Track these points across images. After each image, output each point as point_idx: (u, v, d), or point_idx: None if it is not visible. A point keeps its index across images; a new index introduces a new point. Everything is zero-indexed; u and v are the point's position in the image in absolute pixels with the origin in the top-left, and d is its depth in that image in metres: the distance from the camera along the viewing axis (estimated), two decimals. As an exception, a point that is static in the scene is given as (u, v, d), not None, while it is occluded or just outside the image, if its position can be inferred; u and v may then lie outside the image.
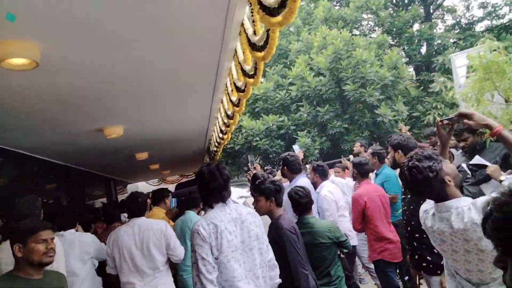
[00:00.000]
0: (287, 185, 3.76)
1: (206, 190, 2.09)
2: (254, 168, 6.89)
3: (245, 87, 3.57)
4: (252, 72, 2.99)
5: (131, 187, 18.53)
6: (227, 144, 10.30)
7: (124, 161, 8.43)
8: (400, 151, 2.62)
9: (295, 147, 5.48)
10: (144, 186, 20.11)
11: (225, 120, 5.76)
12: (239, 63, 3.27)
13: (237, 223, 2.04)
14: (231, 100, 4.46)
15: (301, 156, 5.25)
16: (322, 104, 10.59)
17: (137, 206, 3.09)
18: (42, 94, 3.21)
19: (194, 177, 19.76)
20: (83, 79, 3.06)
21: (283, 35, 12.23)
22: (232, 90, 4.34)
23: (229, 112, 5.13)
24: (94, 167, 8.62)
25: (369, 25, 13.06)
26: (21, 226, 2.01)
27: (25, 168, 6.22)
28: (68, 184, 7.43)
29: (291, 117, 11.56)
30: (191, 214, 3.84)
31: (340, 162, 7.08)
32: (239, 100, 3.90)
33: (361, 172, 3.54)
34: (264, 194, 2.57)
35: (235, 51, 3.31)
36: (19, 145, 4.78)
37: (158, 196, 4.31)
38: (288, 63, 12.55)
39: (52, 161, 6.33)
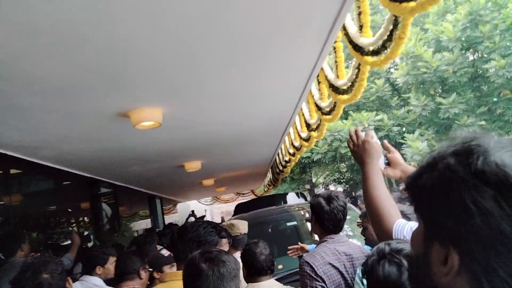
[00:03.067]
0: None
1: None
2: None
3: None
4: None
5: (181, 207, 17.64)
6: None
7: (171, 173, 7.03)
8: None
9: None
10: (196, 206, 19.23)
11: (326, 105, 3.96)
12: None
13: None
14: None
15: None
16: (443, 94, 8.27)
17: None
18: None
19: (254, 196, 18.42)
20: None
21: (377, 9, 10.14)
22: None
23: (340, 82, 3.33)
24: (132, 181, 7.29)
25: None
26: None
27: (37, 182, 4.96)
28: (94, 201, 6.13)
29: (393, 114, 9.37)
30: None
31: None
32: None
33: None
34: None
35: None
36: (13, 146, 3.38)
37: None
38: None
39: (69, 171, 4.99)
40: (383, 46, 2.26)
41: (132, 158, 5.21)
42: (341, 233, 2.11)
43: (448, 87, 8.36)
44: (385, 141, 1.64)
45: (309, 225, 5.07)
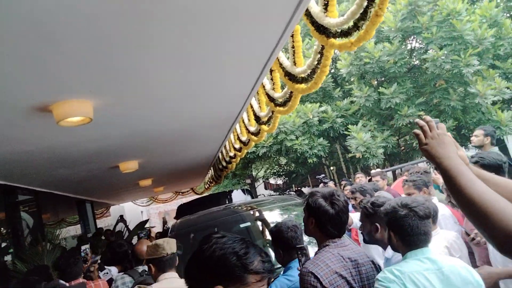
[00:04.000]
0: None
1: None
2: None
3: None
4: None
5: (115, 210, 16.61)
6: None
7: (104, 175, 6.42)
8: None
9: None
10: (131, 208, 18.24)
11: (279, 96, 3.75)
12: None
13: None
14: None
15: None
16: (385, 84, 8.50)
17: None
18: None
19: (194, 194, 17.85)
20: None
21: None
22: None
23: (298, 69, 3.11)
24: (56, 186, 6.54)
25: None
26: None
27: None
28: (10, 211, 5.39)
29: (336, 105, 9.48)
30: None
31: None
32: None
33: None
34: None
35: None
36: None
37: None
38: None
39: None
40: (355, 26, 2.05)
41: (57, 161, 4.58)
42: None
43: (388, 78, 8.63)
44: (449, 135, 1.48)
45: (259, 224, 4.84)
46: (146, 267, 3.21)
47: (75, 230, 13.98)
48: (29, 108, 2.64)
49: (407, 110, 8.00)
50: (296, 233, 2.27)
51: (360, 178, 5.95)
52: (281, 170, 16.39)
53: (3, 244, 5.87)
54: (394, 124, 8.43)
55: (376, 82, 8.99)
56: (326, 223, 1.83)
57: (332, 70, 10.46)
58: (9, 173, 4.66)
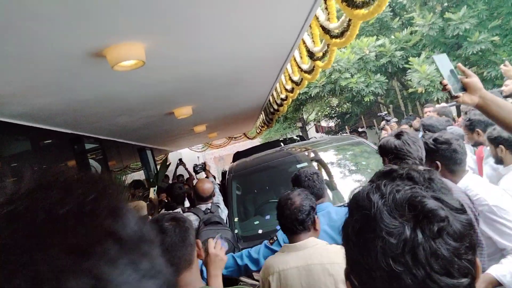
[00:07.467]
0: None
1: None
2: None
3: None
4: None
5: (173, 156, 17.42)
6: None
7: (161, 122, 6.60)
8: None
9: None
10: (188, 154, 19.03)
11: (336, 26, 3.48)
12: None
13: None
14: None
15: None
16: (452, 9, 7.65)
17: None
18: None
19: (246, 139, 17.93)
20: None
21: None
22: None
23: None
24: (119, 134, 6.86)
25: None
26: None
27: (9, 144, 4.49)
28: (80, 159, 5.73)
29: (395, 37, 8.78)
30: None
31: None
32: None
33: None
34: None
35: None
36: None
37: None
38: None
39: (46, 129, 4.51)
40: None
41: (116, 108, 4.73)
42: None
43: (456, 1, 7.73)
44: (460, 64, 1.49)
45: (315, 164, 4.74)
46: (209, 205, 3.29)
47: (139, 175, 14.93)
48: (83, 53, 2.65)
49: (478, 36, 7.20)
50: (314, 182, 2.22)
51: (429, 112, 5.40)
52: (332, 111, 16.00)
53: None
54: (462, 54, 7.68)
55: (440, 8, 8.10)
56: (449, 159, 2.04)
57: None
58: (75, 122, 4.91)
